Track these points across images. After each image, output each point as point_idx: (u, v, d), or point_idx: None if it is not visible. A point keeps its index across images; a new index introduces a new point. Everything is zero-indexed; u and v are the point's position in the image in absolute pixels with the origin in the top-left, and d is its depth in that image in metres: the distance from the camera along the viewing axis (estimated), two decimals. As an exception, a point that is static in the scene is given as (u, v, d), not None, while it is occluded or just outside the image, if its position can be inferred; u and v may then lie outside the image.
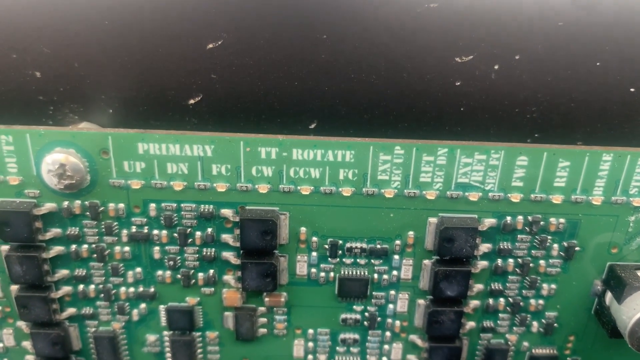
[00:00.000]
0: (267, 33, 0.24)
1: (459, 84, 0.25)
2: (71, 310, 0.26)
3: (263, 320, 0.27)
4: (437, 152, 0.23)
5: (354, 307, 0.26)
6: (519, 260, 0.25)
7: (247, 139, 0.23)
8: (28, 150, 0.23)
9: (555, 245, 0.25)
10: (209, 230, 0.25)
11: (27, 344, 0.27)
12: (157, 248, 0.25)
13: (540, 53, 0.24)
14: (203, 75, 0.25)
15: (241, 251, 0.25)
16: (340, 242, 0.25)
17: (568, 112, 0.25)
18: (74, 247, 0.25)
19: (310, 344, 0.27)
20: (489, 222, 0.24)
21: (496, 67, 0.24)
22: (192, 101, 0.25)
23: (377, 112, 0.25)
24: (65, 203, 0.24)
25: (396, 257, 0.25)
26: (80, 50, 0.24)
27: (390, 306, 0.26)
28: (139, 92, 0.25)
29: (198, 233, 0.25)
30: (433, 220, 0.24)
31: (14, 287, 0.25)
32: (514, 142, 0.25)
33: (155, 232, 0.25)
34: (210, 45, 0.24)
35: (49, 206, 0.24)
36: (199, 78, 0.25)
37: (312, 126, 0.26)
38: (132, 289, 0.26)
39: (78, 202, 0.24)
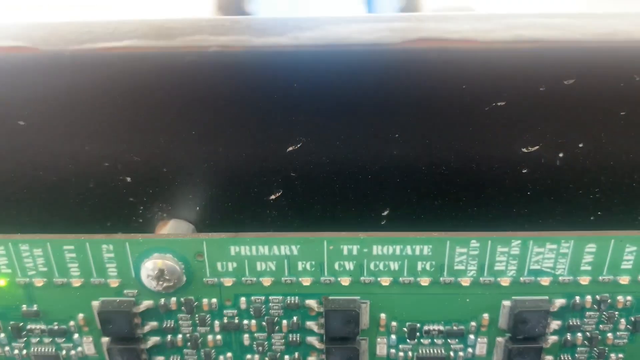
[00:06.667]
0: (342, 134, 0.25)
1: (525, 171, 0.26)
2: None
3: (345, 395, 0.28)
4: (511, 244, 0.24)
5: (431, 380, 0.28)
6: (588, 334, 0.26)
7: (330, 238, 0.24)
8: (127, 257, 0.25)
9: (623, 320, 0.26)
10: (295, 318, 0.26)
11: None
12: (246, 335, 0.27)
13: (603, 140, 0.25)
14: (283, 173, 0.26)
15: (325, 337, 0.26)
16: (418, 325, 0.26)
17: (629, 192, 0.26)
18: (169, 337, 0.27)
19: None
20: (559, 302, 0.25)
21: (561, 154, 0.26)
22: (273, 197, 0.27)
23: (448, 199, 0.27)
24: (162, 300, 0.26)
25: (471, 336, 0.26)
26: (169, 157, 0.26)
27: (465, 379, 0.28)
28: (224, 191, 0.27)
29: (284, 322, 0.26)
30: (507, 303, 0.25)
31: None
32: (578, 220, 0.26)
33: (245, 321, 0.26)
34: (290, 148, 0.26)
35: (146, 304, 0.26)
36: (280, 176, 0.26)
37: (385, 213, 0.27)
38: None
39: (174, 299, 0.26)
